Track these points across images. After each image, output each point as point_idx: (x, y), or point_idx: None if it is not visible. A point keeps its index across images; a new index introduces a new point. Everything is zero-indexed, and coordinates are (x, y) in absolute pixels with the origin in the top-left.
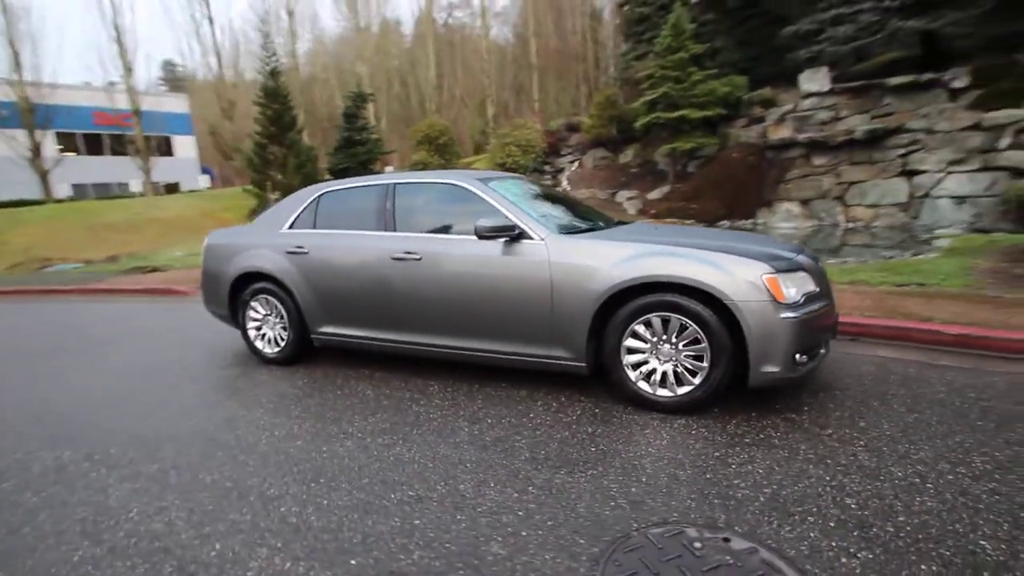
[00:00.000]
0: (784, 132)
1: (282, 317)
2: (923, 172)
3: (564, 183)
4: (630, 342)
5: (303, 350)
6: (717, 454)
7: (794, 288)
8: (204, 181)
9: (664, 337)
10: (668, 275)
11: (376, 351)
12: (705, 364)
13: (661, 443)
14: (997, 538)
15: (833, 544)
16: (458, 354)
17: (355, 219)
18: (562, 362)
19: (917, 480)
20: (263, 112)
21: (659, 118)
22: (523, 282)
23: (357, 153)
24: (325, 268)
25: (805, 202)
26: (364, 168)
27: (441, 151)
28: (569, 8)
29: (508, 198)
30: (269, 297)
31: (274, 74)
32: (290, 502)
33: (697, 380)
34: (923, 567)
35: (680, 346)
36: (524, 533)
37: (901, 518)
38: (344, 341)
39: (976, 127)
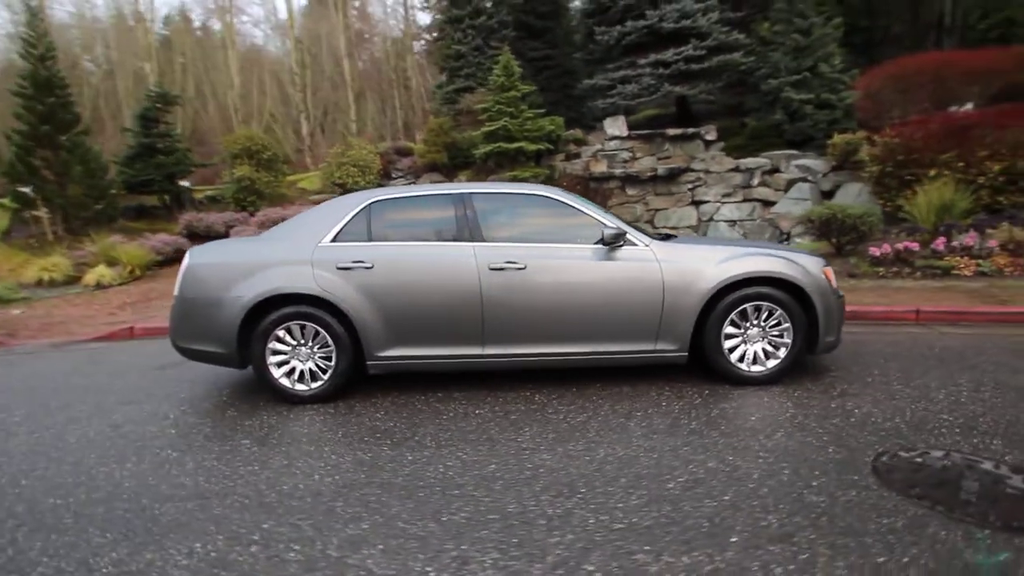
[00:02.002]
0: (602, 167)
1: (325, 345)
2: (706, 202)
3: None
4: (728, 329)
5: (350, 381)
6: (834, 404)
7: (835, 278)
8: None
9: (753, 322)
10: (766, 271)
11: (451, 370)
12: (787, 340)
13: (787, 403)
14: None
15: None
16: (555, 360)
17: (425, 230)
18: (667, 354)
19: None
20: (29, 107)
21: (500, 147)
22: (638, 284)
23: (162, 164)
24: (398, 283)
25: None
26: (170, 182)
27: (266, 166)
28: (381, 34)
29: (599, 210)
30: (306, 323)
31: (45, 59)
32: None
33: (782, 353)
34: None
35: (767, 328)
36: (805, 462)
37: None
38: (413, 363)
39: (736, 169)
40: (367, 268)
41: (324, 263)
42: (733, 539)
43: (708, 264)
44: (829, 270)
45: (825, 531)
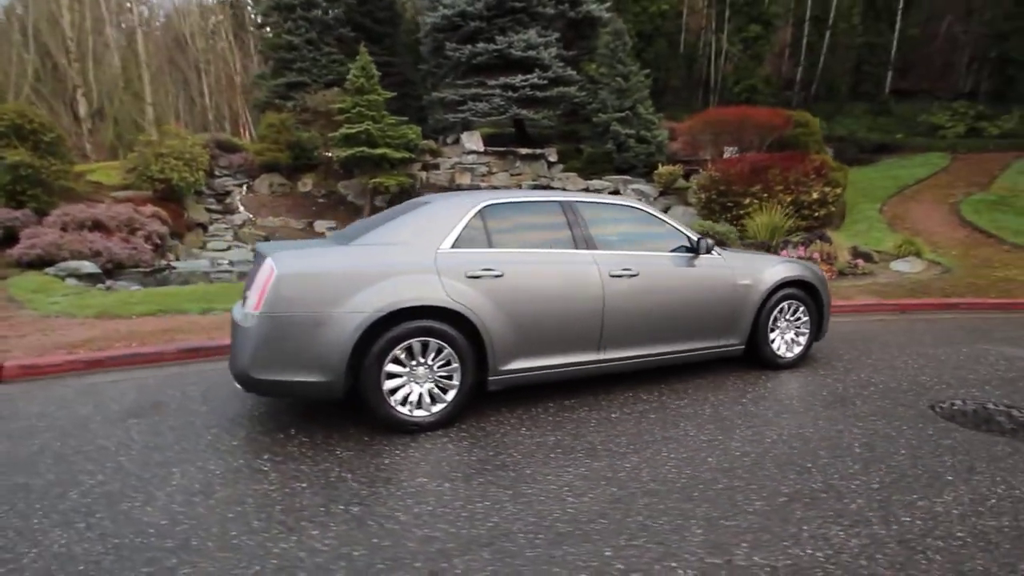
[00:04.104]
0: (467, 179)
1: (445, 363)
2: None
3: (240, 208)
4: (774, 323)
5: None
6: (855, 378)
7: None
8: None
9: (788, 317)
10: (799, 275)
11: (566, 379)
12: (807, 330)
13: (827, 382)
14: None
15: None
16: (653, 360)
17: (538, 236)
18: (731, 348)
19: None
20: None
21: (363, 152)
22: (720, 287)
23: None
24: (529, 291)
25: None
26: None
27: (50, 151)
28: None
29: (674, 220)
30: (429, 340)
31: None
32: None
33: (803, 340)
34: None
35: (791, 319)
36: (887, 417)
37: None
38: (533, 375)
39: (586, 190)
40: (496, 276)
41: (451, 271)
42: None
43: (764, 271)
44: (824, 274)
45: (920, 444)
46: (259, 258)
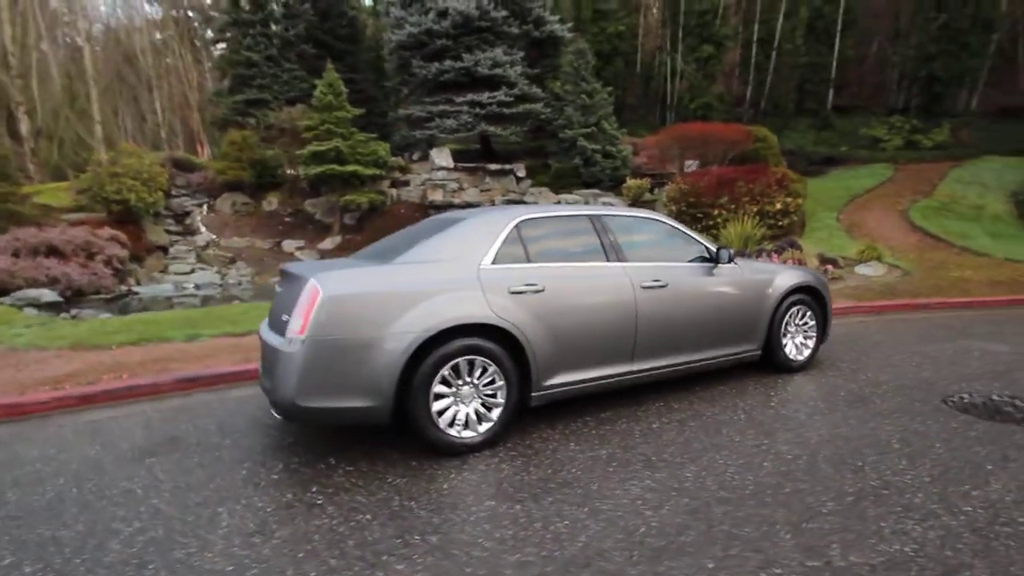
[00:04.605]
0: (438, 196)
1: (492, 381)
2: None
3: (201, 229)
4: (786, 328)
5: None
6: (864, 378)
7: None
8: None
9: (797, 322)
10: (805, 281)
11: (601, 391)
12: (813, 334)
13: (839, 383)
14: None
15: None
16: (680, 370)
17: (571, 250)
18: (748, 353)
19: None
20: None
21: (332, 170)
22: (741, 296)
23: None
24: (569, 305)
25: None
26: None
27: None
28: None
29: (693, 232)
30: (475, 358)
31: None
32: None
33: (811, 343)
34: None
35: (799, 323)
36: (907, 413)
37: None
38: (571, 389)
39: (559, 203)
40: (538, 291)
41: (495, 287)
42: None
43: (775, 278)
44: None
45: (950, 437)
46: (292, 279)
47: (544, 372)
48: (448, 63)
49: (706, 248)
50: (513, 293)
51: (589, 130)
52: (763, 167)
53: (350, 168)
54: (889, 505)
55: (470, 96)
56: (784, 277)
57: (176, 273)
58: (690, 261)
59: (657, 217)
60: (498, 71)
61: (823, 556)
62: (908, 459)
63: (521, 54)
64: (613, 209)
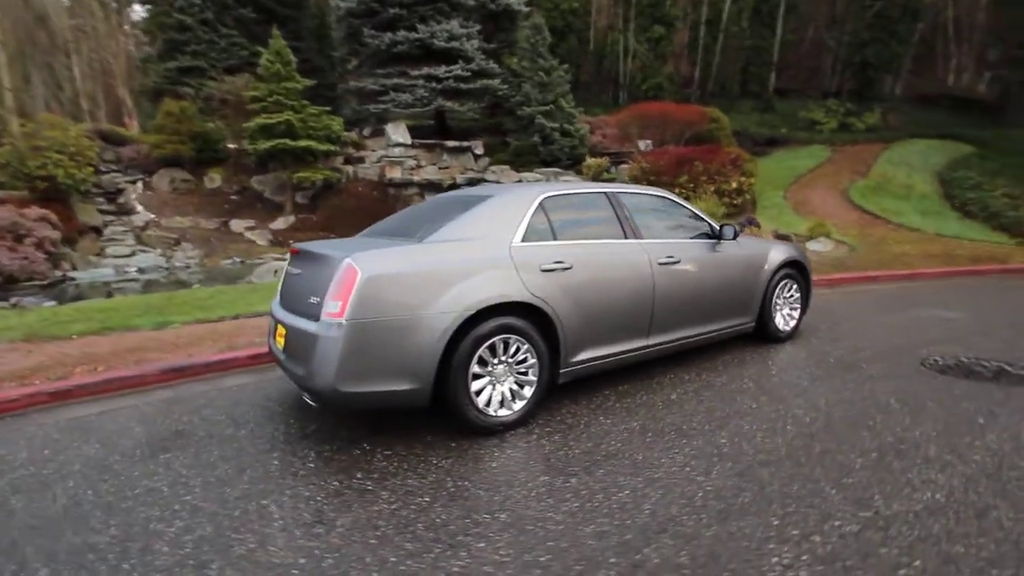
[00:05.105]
0: (397, 173)
1: (524, 359)
2: None
3: (138, 208)
4: (776, 300)
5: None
6: (846, 345)
7: None
8: None
9: (786, 295)
10: (794, 256)
11: (619, 366)
12: (798, 306)
13: (825, 351)
14: None
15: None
16: (688, 342)
17: (591, 227)
18: (745, 325)
19: None
20: None
21: (284, 144)
22: (741, 270)
23: None
24: (595, 282)
25: None
26: None
27: None
28: None
29: (696, 209)
30: (509, 337)
31: None
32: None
33: (796, 315)
34: None
35: (787, 296)
36: (896, 376)
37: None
38: (594, 365)
39: (520, 180)
40: (567, 269)
41: (526, 265)
42: (932, 406)
43: (767, 252)
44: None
45: (939, 396)
46: (316, 259)
47: (572, 349)
48: (402, 34)
49: (710, 225)
50: (544, 271)
51: (547, 108)
52: (718, 147)
53: (303, 143)
54: (910, 459)
55: (426, 70)
56: (776, 252)
57: (115, 256)
58: (695, 237)
59: (666, 195)
60: (455, 44)
61: (871, 507)
62: (910, 417)
63: (478, 27)
64: (625, 186)
